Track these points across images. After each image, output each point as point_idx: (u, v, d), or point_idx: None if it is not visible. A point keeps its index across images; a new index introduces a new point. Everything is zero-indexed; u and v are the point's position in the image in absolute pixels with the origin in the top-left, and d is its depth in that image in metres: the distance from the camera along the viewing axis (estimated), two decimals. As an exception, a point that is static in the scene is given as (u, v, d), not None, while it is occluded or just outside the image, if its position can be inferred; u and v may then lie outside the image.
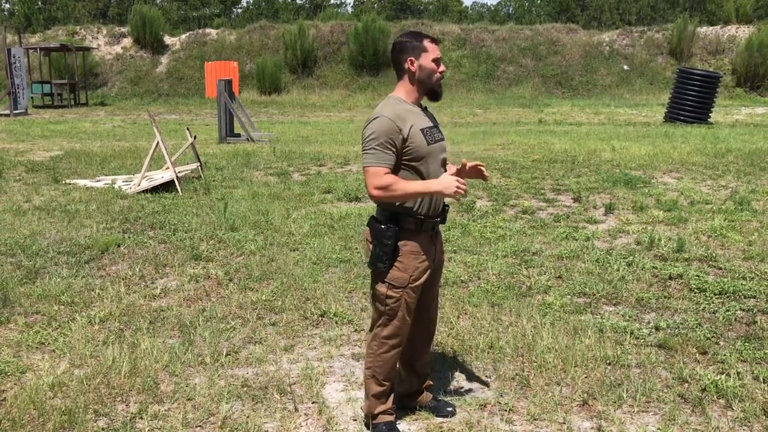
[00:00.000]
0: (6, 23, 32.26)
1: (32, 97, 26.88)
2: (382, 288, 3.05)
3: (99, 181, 10.05)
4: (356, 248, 6.36)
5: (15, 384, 3.61)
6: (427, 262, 3.09)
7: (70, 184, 9.75)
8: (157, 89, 33.41)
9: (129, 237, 6.72)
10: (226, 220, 7.30)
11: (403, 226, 3.02)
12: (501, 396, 3.56)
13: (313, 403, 3.48)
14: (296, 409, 3.40)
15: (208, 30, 37.65)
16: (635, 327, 4.46)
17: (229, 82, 15.21)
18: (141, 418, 3.29)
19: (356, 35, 32.94)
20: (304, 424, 3.29)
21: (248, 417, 3.31)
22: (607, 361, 3.94)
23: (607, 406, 3.44)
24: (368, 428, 3.20)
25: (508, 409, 3.42)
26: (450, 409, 3.41)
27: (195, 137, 10.50)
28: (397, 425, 3.23)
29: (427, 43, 3.04)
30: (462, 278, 5.48)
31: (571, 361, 3.90)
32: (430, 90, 3.09)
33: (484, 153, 12.63)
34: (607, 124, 19.18)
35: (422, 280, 3.09)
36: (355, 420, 3.32)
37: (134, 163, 11.55)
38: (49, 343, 4.18)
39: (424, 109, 3.14)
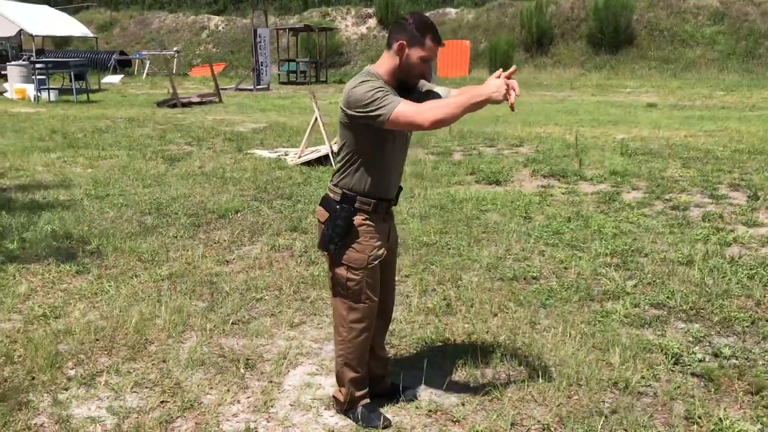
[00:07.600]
0: (260, 7, 35.50)
1: (278, 74, 29.41)
2: (341, 271, 2.96)
3: (276, 152, 10.76)
4: (446, 231, 6.12)
5: (38, 327, 4.04)
6: (381, 241, 3.00)
7: (248, 153, 10.56)
8: (395, 67, 34.70)
9: (253, 205, 7.13)
10: (348, 196, 7.40)
11: (356, 207, 2.92)
12: (462, 405, 3.21)
13: (269, 382, 3.44)
14: (246, 386, 3.39)
15: (447, 9, 38.15)
16: (692, 350, 3.74)
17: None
18: (108, 372, 3.50)
19: (596, 11, 31.20)
20: (242, 400, 3.27)
21: (197, 386, 3.37)
22: (617, 385, 3.36)
23: (568, 437, 2.94)
24: (346, 416, 3.13)
25: (455, 420, 3.08)
26: (411, 392, 3.33)
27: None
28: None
29: (428, 40, 2.81)
30: (533, 274, 5.00)
31: (574, 379, 3.39)
32: (403, 82, 2.91)
33: (682, 140, 11.29)
34: None
35: (379, 259, 2.99)
36: (292, 406, 3.22)
37: (319, 137, 12.14)
38: (100, 294, 4.61)
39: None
